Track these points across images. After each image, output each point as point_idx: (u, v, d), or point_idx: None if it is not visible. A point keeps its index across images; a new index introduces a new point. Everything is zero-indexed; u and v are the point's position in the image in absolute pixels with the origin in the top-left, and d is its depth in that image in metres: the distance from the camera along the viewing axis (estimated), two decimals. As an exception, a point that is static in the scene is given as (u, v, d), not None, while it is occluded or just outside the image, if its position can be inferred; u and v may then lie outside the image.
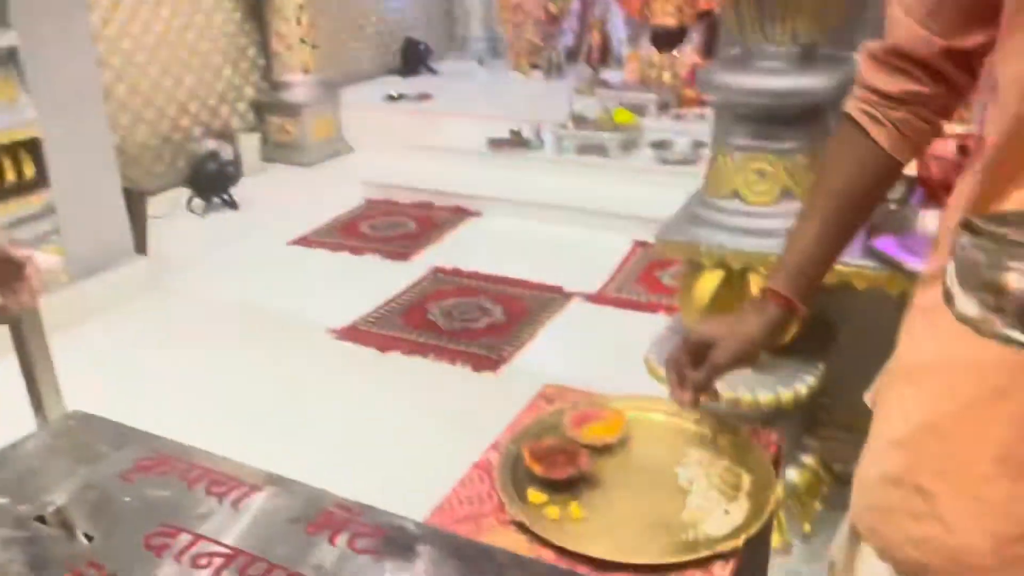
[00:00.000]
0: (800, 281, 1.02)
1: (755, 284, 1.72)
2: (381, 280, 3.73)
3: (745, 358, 1.06)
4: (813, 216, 1.00)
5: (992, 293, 0.60)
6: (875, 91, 0.93)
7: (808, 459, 2.02)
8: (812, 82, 1.69)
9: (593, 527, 0.99)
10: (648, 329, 3.27)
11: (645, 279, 3.69)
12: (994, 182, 0.78)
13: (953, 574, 0.77)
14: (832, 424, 2.07)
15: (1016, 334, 0.59)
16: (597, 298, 3.52)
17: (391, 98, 5.99)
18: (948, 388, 0.77)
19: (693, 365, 1.08)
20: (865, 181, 0.97)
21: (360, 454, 2.48)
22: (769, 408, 1.80)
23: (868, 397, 0.94)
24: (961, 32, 0.86)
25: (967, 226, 0.63)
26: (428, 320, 3.36)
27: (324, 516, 0.90)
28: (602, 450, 1.13)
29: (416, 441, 2.56)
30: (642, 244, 4.03)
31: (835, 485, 2.04)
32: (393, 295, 3.57)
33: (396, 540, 0.87)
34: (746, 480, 1.07)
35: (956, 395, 0.76)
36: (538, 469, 1.07)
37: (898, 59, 0.90)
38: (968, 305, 0.62)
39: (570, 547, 0.94)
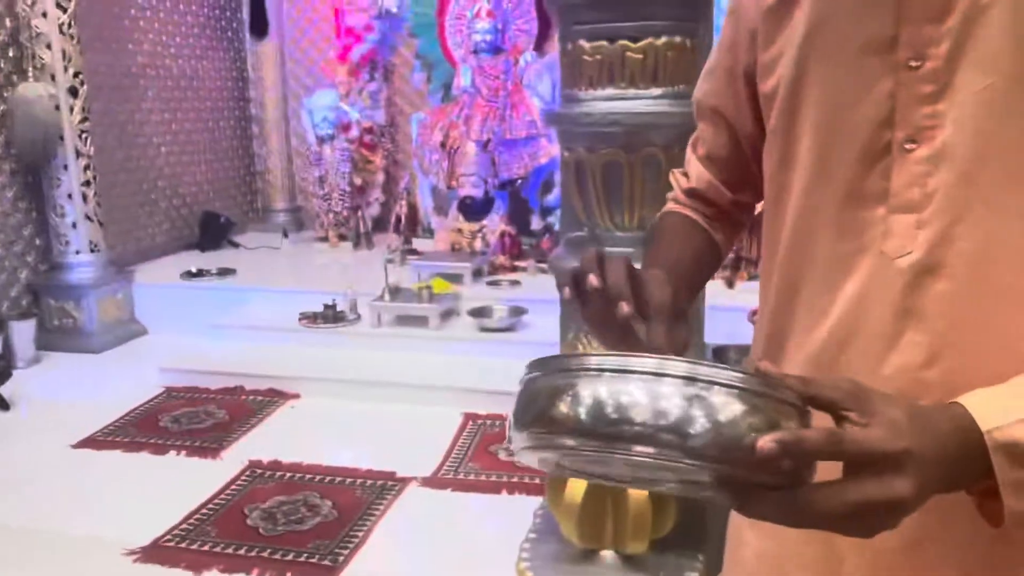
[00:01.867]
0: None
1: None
2: (189, 483, 3.30)
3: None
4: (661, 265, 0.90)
5: (545, 426, 0.61)
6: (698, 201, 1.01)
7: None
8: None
9: None
10: (494, 513, 3.11)
11: (481, 456, 3.53)
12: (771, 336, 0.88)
13: None
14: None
15: (569, 441, 0.60)
16: (433, 481, 3.31)
17: (190, 274, 5.63)
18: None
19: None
20: (701, 257, 0.98)
21: None
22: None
23: None
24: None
25: (531, 365, 0.66)
26: (247, 527, 2.97)
27: None
28: None
29: None
30: (472, 416, 3.90)
31: None
32: (204, 500, 3.16)
33: None
34: None
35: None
36: None
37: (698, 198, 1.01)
38: (519, 439, 0.64)
39: None
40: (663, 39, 1.62)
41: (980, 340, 0.71)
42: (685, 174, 1.02)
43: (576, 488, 1.64)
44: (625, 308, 0.71)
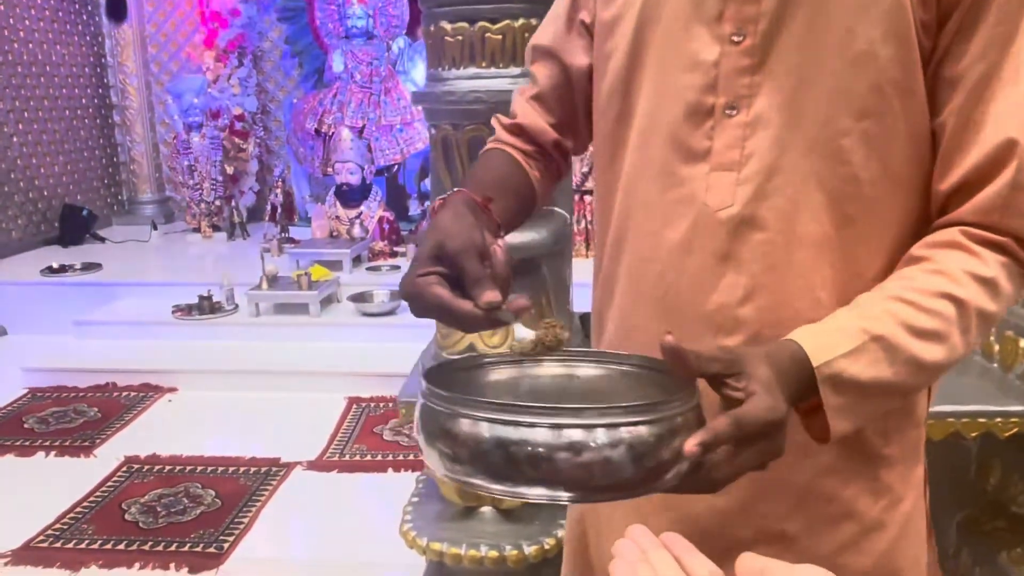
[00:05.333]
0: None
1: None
2: (61, 483, 3.19)
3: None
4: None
5: (448, 441, 0.64)
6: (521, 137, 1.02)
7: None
8: (530, 237, 1.78)
9: None
10: (381, 490, 3.15)
11: (366, 437, 3.57)
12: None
13: None
14: None
15: (476, 481, 0.63)
16: (319, 464, 3.32)
17: (51, 270, 5.36)
18: None
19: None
20: (519, 190, 0.98)
21: None
22: (518, 567, 1.75)
23: None
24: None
25: (426, 376, 0.70)
26: (126, 522, 2.91)
27: None
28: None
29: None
30: (355, 400, 3.92)
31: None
32: (78, 499, 3.06)
33: None
34: None
35: None
36: None
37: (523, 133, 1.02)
38: (430, 456, 0.66)
39: None
40: (520, 21, 1.72)
41: (787, 282, 0.82)
42: (511, 116, 1.03)
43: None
44: (488, 296, 0.70)
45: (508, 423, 0.62)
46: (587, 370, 0.81)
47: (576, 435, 0.61)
